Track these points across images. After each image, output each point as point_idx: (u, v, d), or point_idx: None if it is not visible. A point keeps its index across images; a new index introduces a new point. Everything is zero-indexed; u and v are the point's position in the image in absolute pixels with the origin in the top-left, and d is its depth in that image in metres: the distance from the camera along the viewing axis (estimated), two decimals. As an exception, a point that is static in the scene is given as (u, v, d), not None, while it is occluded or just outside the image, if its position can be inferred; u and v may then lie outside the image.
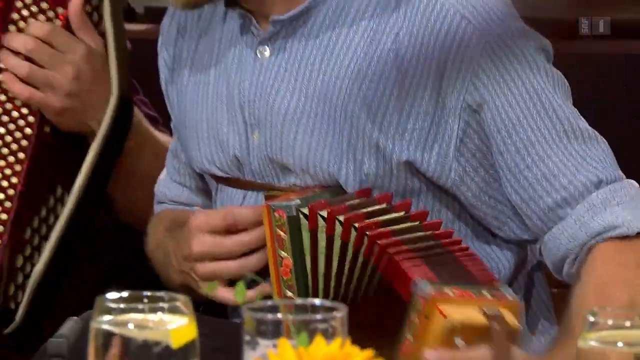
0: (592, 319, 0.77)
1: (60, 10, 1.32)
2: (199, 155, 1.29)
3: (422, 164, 1.17)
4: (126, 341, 0.77)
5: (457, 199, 1.20)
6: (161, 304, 0.79)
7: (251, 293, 0.98)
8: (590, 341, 0.77)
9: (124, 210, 1.46)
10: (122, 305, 0.79)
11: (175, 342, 0.77)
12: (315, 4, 1.20)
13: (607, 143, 1.17)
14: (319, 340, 0.75)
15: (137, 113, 1.41)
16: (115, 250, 1.48)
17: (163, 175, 1.40)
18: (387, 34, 1.18)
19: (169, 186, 1.39)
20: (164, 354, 0.77)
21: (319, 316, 0.77)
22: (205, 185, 1.36)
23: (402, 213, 1.15)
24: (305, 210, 1.12)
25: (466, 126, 1.16)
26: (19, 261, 1.29)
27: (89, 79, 1.32)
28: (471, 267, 1.07)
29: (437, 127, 1.16)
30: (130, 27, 1.58)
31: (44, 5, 1.32)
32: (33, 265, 1.30)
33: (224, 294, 1.17)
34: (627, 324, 0.77)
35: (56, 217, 1.31)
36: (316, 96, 1.20)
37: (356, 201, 1.15)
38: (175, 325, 0.78)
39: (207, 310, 1.22)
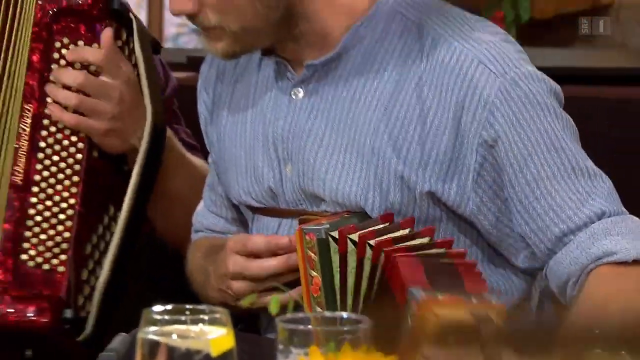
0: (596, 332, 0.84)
1: (95, 45, 1.43)
2: (236, 188, 1.39)
3: (442, 194, 1.26)
4: (170, 350, 0.84)
5: (475, 227, 1.28)
6: (202, 316, 0.87)
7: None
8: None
9: (160, 227, 1.55)
10: (166, 317, 0.86)
11: (215, 351, 0.84)
12: (345, 50, 1.30)
13: (610, 181, 1.25)
14: (346, 347, 0.82)
15: (172, 137, 1.50)
16: (152, 266, 1.58)
17: (200, 206, 1.50)
18: (411, 78, 1.27)
19: (206, 216, 1.49)
20: None
21: (346, 327, 0.84)
22: (240, 216, 1.47)
23: (427, 239, 1.22)
24: (334, 234, 1.19)
25: (483, 160, 1.24)
26: (84, 274, 1.40)
27: (129, 101, 1.43)
28: (466, 279, 1.13)
29: (456, 161, 1.25)
30: (174, 75, 1.72)
31: (80, 42, 1.43)
32: (97, 278, 1.41)
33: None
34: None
35: (111, 234, 1.42)
36: (346, 134, 1.29)
37: (381, 226, 1.22)
38: (215, 335, 0.85)
39: (243, 328, 1.30)
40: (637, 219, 1.23)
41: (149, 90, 1.45)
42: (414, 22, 1.30)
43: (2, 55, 1.43)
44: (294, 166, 1.32)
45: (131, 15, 1.47)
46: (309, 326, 0.85)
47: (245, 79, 1.40)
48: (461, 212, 1.27)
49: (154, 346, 0.85)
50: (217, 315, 0.87)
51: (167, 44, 2.21)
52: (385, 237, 1.18)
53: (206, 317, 0.86)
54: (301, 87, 1.33)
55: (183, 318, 0.86)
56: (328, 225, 1.20)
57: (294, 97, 1.33)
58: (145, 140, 1.43)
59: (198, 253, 1.45)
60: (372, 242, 1.17)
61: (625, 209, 1.24)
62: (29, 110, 1.41)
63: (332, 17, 1.30)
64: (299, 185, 1.33)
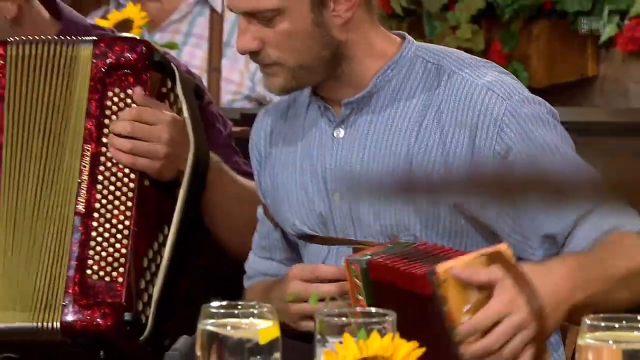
0: (588, 322, 0.99)
1: (142, 93, 1.64)
2: (292, 219, 1.57)
3: (465, 203, 1.44)
4: (224, 339, 1.01)
5: (497, 234, 1.44)
6: (252, 310, 1.03)
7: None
8: (587, 339, 0.99)
9: (216, 236, 1.75)
10: (221, 311, 1.02)
11: (263, 340, 1.01)
12: (376, 88, 1.50)
13: None
14: (375, 335, 0.98)
15: (221, 164, 1.72)
16: (210, 268, 1.81)
17: (251, 256, 1.69)
18: (432, 106, 1.48)
19: (258, 263, 1.68)
20: (254, 349, 1.00)
21: (374, 319, 1.00)
22: (291, 255, 1.65)
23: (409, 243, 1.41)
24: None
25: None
26: (142, 284, 1.60)
27: (177, 139, 1.62)
28: (450, 253, 1.32)
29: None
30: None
31: (129, 91, 1.63)
32: (153, 287, 1.60)
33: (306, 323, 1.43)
34: (617, 326, 0.99)
35: (163, 253, 1.62)
36: (381, 160, 1.49)
37: (411, 251, 1.39)
38: (263, 326, 1.01)
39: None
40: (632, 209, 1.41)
41: (192, 128, 1.65)
42: (433, 63, 1.50)
43: (65, 105, 1.64)
44: (341, 194, 1.51)
45: (173, 66, 1.67)
46: (343, 318, 1.01)
47: (294, 123, 1.60)
48: (482, 220, 1.44)
49: (211, 336, 1.02)
50: (265, 310, 1.03)
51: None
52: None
53: (255, 311, 1.03)
54: (341, 127, 1.52)
55: (236, 312, 1.03)
56: (369, 256, 1.36)
57: (336, 135, 1.52)
58: (187, 170, 1.63)
59: (256, 290, 1.64)
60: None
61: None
62: (88, 150, 1.61)
63: (368, 60, 1.50)
64: (346, 209, 1.50)
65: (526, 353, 1.20)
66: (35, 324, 1.58)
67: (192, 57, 2.25)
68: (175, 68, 1.65)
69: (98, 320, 1.54)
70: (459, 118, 1.44)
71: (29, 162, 1.64)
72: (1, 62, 1.65)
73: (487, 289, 1.20)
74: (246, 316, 1.03)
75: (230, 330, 1.02)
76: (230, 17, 2.62)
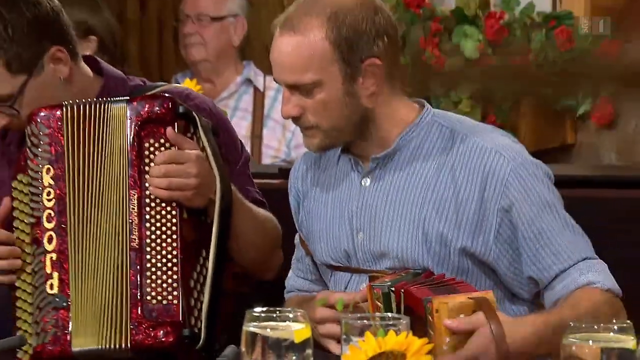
0: (572, 324, 1.20)
1: (167, 135, 1.89)
2: (320, 252, 1.81)
3: (471, 248, 1.66)
4: (265, 339, 1.21)
5: (496, 272, 1.67)
6: (287, 314, 1.24)
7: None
8: (571, 339, 1.19)
9: (237, 259, 1.95)
10: (262, 315, 1.23)
11: (297, 339, 1.21)
12: (399, 147, 1.73)
13: (586, 235, 1.68)
14: (391, 334, 1.19)
15: (238, 194, 1.92)
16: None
17: (290, 274, 1.93)
18: (446, 166, 1.70)
19: (295, 280, 1.92)
20: (290, 346, 1.21)
21: (391, 321, 1.22)
22: (318, 276, 1.88)
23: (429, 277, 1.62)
24: (393, 289, 1.56)
25: (501, 221, 1.65)
26: (192, 302, 1.81)
27: (203, 173, 1.84)
28: (461, 289, 1.53)
29: (481, 223, 1.66)
30: (269, 182, 2.29)
31: (162, 140, 1.87)
32: (201, 303, 1.81)
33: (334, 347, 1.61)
34: (596, 327, 1.20)
35: (206, 269, 1.84)
36: (401, 208, 1.71)
37: (423, 280, 1.60)
38: (297, 328, 1.22)
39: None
40: (603, 262, 1.65)
41: (215, 162, 1.88)
42: (447, 127, 1.74)
43: (111, 157, 1.87)
44: (364, 234, 1.74)
45: (194, 114, 1.91)
46: (365, 321, 1.21)
47: (327, 172, 1.85)
48: (485, 260, 1.66)
49: (253, 336, 1.22)
50: (299, 314, 1.24)
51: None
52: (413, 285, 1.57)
53: (291, 316, 1.24)
54: (368, 177, 1.75)
55: (274, 316, 1.24)
56: (390, 282, 1.58)
57: (363, 184, 1.76)
58: (217, 196, 1.85)
59: (292, 303, 1.86)
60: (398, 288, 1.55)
61: (596, 255, 1.66)
62: (134, 195, 1.85)
63: (391, 124, 1.74)
64: (368, 247, 1.73)
65: None
66: (107, 346, 1.79)
67: (239, 128, 2.55)
68: (196, 115, 1.89)
69: (162, 338, 1.76)
70: (470, 176, 1.67)
71: (88, 207, 1.86)
72: (59, 123, 1.89)
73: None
74: (283, 320, 1.25)
75: (270, 331, 1.22)
76: (270, 94, 3.08)
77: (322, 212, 1.81)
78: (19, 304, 1.89)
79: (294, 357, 1.22)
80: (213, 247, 1.84)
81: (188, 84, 2.63)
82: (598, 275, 1.61)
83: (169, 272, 1.81)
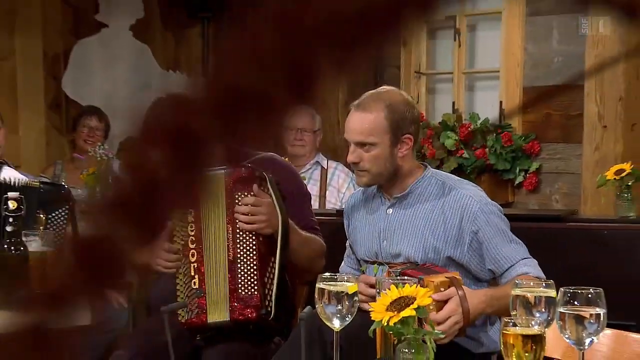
0: (517, 282, 1.94)
1: (251, 191, 2.55)
2: (360, 252, 2.49)
3: (454, 255, 2.33)
4: (330, 292, 1.90)
5: (469, 270, 2.34)
6: (343, 277, 1.97)
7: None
8: (518, 290, 1.91)
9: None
10: (328, 277, 1.94)
11: (350, 290, 1.92)
12: (410, 191, 2.41)
13: (524, 245, 2.34)
14: (407, 286, 1.88)
15: (294, 225, 2.59)
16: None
17: (342, 264, 2.59)
18: (438, 204, 2.38)
19: (345, 268, 2.55)
20: (344, 295, 1.91)
21: (406, 279, 1.97)
22: (359, 266, 2.52)
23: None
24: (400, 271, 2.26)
25: (471, 240, 2.32)
26: (265, 292, 2.51)
27: (270, 212, 2.52)
28: (440, 271, 2.24)
29: (459, 240, 2.32)
30: (330, 218, 3.14)
31: (245, 192, 2.54)
32: (272, 292, 2.52)
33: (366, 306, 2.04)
34: (532, 284, 1.93)
35: (274, 272, 2.54)
36: (411, 229, 2.39)
37: (420, 268, 2.30)
38: (349, 284, 1.93)
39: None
40: (535, 260, 2.28)
41: (278, 206, 2.54)
42: (440, 180, 2.43)
43: (217, 205, 2.55)
44: (387, 242, 2.43)
45: (265, 175, 2.56)
46: (390, 280, 1.97)
47: (366, 203, 2.55)
48: (461, 263, 2.34)
49: (322, 290, 1.91)
50: (350, 277, 1.97)
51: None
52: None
53: (345, 278, 1.96)
54: (391, 208, 2.45)
55: (335, 278, 1.95)
56: (400, 269, 2.27)
57: (387, 212, 2.46)
58: (280, 227, 2.52)
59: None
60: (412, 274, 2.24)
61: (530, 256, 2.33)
62: (230, 228, 2.54)
63: (408, 176, 2.43)
64: (388, 250, 2.42)
65: (456, 327, 2.11)
66: (221, 320, 2.50)
67: (311, 191, 3.36)
68: (266, 176, 2.55)
69: (248, 315, 2.48)
70: (454, 211, 2.35)
71: (208, 236, 2.56)
72: None
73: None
74: (340, 280, 1.92)
75: (332, 286, 1.90)
76: (330, 170, 4.24)
77: (362, 228, 2.50)
78: (177, 293, 2.57)
79: (347, 302, 1.91)
80: (278, 257, 2.53)
81: None
82: (531, 268, 2.22)
83: (251, 274, 2.52)
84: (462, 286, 2.16)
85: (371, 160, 2.40)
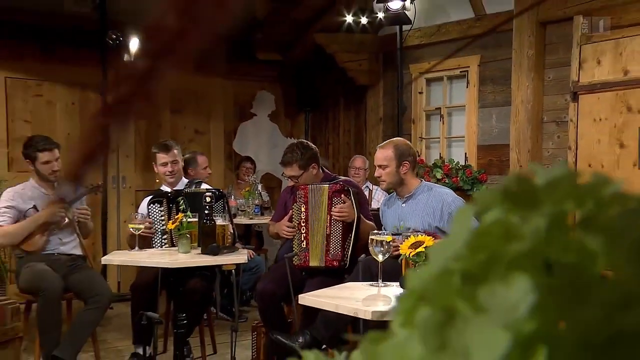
0: None
1: (342, 198, 4.29)
2: (389, 228, 4.20)
3: (440, 226, 4.13)
4: (376, 240, 4.17)
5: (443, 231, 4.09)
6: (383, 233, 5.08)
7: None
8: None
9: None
10: (375, 232, 4.83)
11: (387, 239, 4.94)
12: (413, 194, 4.29)
13: None
14: (419, 236, 4.11)
15: (362, 217, 4.34)
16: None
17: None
18: (430, 200, 4.23)
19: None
20: (384, 242, 4.95)
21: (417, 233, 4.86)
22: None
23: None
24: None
25: (448, 216, 4.14)
26: (345, 252, 4.22)
27: (352, 211, 4.28)
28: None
29: (442, 218, 4.17)
30: (375, 212, 4.91)
31: (340, 199, 4.27)
32: (348, 253, 4.24)
33: None
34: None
35: (350, 241, 4.25)
36: (415, 214, 4.24)
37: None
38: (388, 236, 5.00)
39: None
40: None
41: (355, 207, 4.16)
42: (429, 187, 4.32)
43: (321, 204, 4.23)
44: (403, 222, 4.26)
45: (349, 189, 4.16)
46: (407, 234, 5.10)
47: (391, 201, 4.42)
48: (444, 230, 4.06)
49: (373, 239, 3.92)
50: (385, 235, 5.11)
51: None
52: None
53: (384, 234, 5.07)
54: (403, 204, 4.32)
55: (380, 233, 4.86)
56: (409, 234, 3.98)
57: (402, 206, 4.32)
58: (355, 219, 4.15)
59: None
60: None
61: None
62: (328, 217, 4.24)
63: (409, 186, 4.29)
64: (404, 226, 4.18)
65: None
66: (317, 265, 4.10)
67: None
68: (350, 189, 4.21)
69: (334, 264, 4.07)
70: (438, 203, 4.18)
71: (314, 219, 4.15)
72: (306, 191, 4.23)
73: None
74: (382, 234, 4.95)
75: (377, 237, 4.51)
76: (374, 190, 6.45)
77: (389, 215, 4.26)
78: (293, 249, 4.10)
79: (385, 246, 3.63)
80: (353, 234, 4.13)
81: None
82: None
83: (337, 242, 4.13)
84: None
85: (386, 175, 4.29)
